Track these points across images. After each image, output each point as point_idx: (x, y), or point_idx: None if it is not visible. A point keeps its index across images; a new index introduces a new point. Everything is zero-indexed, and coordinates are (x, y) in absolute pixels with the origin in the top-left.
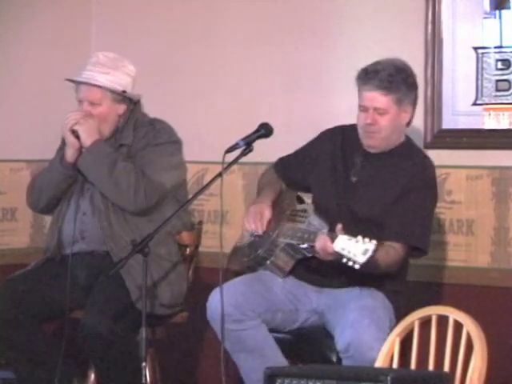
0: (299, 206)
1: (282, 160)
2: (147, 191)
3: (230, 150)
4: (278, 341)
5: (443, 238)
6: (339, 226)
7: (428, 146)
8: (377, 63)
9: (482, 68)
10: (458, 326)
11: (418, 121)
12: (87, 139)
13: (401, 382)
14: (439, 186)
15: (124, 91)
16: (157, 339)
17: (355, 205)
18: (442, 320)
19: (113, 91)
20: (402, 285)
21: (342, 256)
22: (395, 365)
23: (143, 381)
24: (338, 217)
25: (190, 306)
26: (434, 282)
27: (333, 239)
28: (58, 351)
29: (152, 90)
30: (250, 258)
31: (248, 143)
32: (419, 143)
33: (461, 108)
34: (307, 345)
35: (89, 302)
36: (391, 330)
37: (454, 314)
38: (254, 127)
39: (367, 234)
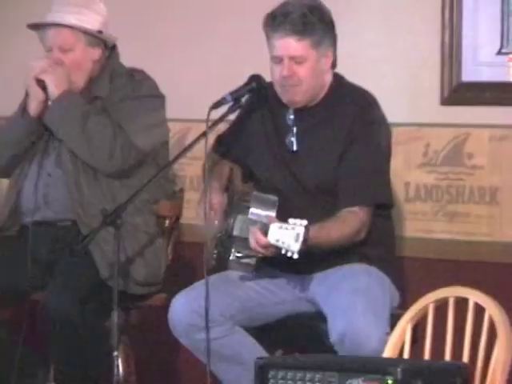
0: (245, 188)
1: (219, 138)
2: (124, 149)
3: (215, 105)
4: (268, 329)
5: (463, 208)
6: (271, 215)
7: (445, 103)
8: (285, 4)
9: (509, 11)
10: (480, 311)
11: (434, 73)
12: (55, 90)
13: (412, 374)
14: (457, 148)
15: (100, 31)
16: (131, 324)
17: (301, 176)
18: (461, 303)
19: (87, 32)
20: (390, 253)
21: (279, 248)
22: (406, 355)
23: (115, 373)
24: (287, 193)
25: (169, 287)
26: (451, 260)
27: (266, 231)
28: (17, 339)
29: (124, 36)
30: (213, 256)
31: (237, 98)
32: (435, 98)
33: (483, 58)
34: (302, 332)
35: (51, 281)
36: (394, 306)
37: (474, 297)
38: (244, 80)
39: (324, 205)
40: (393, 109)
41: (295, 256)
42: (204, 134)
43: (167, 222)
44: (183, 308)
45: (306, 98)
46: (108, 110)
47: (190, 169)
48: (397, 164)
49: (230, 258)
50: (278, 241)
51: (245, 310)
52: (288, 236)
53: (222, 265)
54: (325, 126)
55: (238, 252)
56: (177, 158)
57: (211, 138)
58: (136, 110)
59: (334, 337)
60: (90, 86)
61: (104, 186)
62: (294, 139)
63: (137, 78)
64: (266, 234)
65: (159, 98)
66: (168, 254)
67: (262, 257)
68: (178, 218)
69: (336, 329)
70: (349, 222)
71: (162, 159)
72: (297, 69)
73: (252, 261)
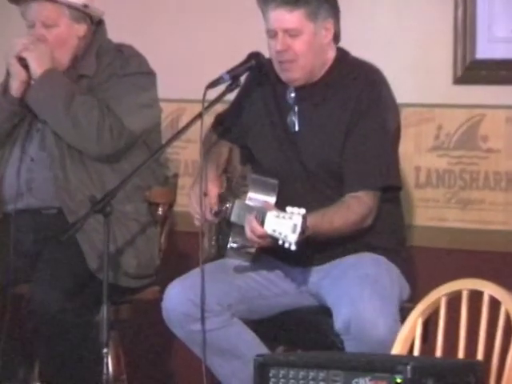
0: (244, 170)
1: (219, 117)
2: (113, 131)
3: (212, 85)
4: (269, 323)
5: (477, 195)
6: (268, 202)
7: (458, 81)
8: None
9: None
10: (495, 304)
11: (446, 50)
12: (38, 68)
13: (423, 373)
14: (472, 130)
15: (85, 5)
16: (121, 320)
17: (303, 158)
18: (475, 296)
19: (71, 7)
20: (399, 242)
21: (275, 239)
22: (416, 352)
23: (104, 371)
24: (289, 176)
25: (163, 279)
26: (464, 250)
27: (262, 220)
28: None
29: (111, 10)
30: (212, 243)
31: (235, 77)
32: (447, 77)
33: (499, 33)
34: (305, 327)
35: (36, 273)
36: (404, 299)
37: (489, 289)
38: (243, 57)
39: (328, 190)
40: (402, 88)
41: (293, 247)
42: (199, 116)
43: (160, 209)
44: (178, 297)
45: (304, 74)
46: (95, 90)
47: (185, 152)
48: (407, 148)
49: (228, 246)
50: (274, 231)
51: (244, 301)
52: (285, 226)
53: (220, 253)
54: (328, 105)
55: (235, 242)
56: (170, 140)
57: (207, 119)
58: (125, 89)
59: (338, 324)
60: (75, 63)
61: (92, 170)
62: (295, 119)
63: (125, 53)
64: (262, 222)
65: (150, 75)
66: (161, 243)
67: (260, 247)
68: (171, 206)
69: (341, 317)
70: (353, 208)
71: (154, 142)
72: (292, 43)
73: (251, 250)
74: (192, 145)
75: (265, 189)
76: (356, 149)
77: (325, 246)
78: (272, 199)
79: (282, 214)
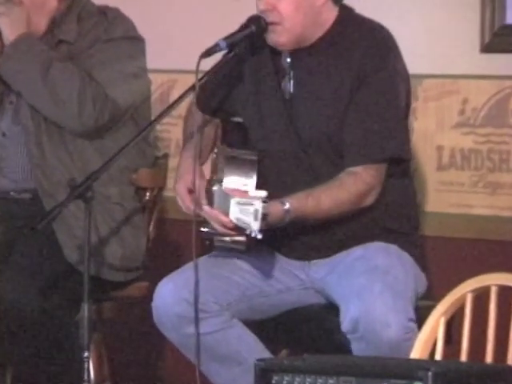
0: (227, 149)
1: (202, 88)
2: (97, 103)
3: (207, 53)
4: (270, 324)
5: (507, 178)
6: (246, 183)
7: (486, 50)
8: None
9: None
10: None
11: (473, 13)
12: (11, 33)
13: (447, 379)
14: (501, 105)
15: None
16: (104, 319)
17: (298, 129)
18: (505, 292)
19: None
20: (411, 226)
21: (242, 229)
22: (438, 355)
23: (85, 377)
24: (283, 151)
25: (151, 273)
26: (493, 240)
27: (227, 208)
28: None
29: None
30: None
31: (232, 44)
32: (473, 44)
33: None
34: (311, 327)
35: (7, 267)
36: (420, 292)
37: None
38: (241, 23)
39: (326, 167)
40: (422, 56)
41: (259, 236)
42: (193, 88)
43: (148, 194)
44: (171, 295)
45: (292, 38)
46: (76, 57)
47: (176, 130)
48: (427, 124)
49: (215, 241)
50: (238, 220)
51: (244, 299)
52: (247, 213)
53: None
54: (327, 70)
55: (209, 230)
56: (160, 116)
57: None
58: (109, 56)
59: (345, 323)
60: (54, 28)
61: (72, 149)
62: (290, 85)
63: (110, 17)
64: (226, 211)
65: (138, 41)
66: (149, 232)
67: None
68: (160, 190)
69: (349, 314)
70: (346, 185)
71: (143, 118)
72: (277, 2)
73: (240, 245)
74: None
75: (242, 168)
76: (356, 117)
77: (329, 236)
78: (250, 181)
79: (243, 200)
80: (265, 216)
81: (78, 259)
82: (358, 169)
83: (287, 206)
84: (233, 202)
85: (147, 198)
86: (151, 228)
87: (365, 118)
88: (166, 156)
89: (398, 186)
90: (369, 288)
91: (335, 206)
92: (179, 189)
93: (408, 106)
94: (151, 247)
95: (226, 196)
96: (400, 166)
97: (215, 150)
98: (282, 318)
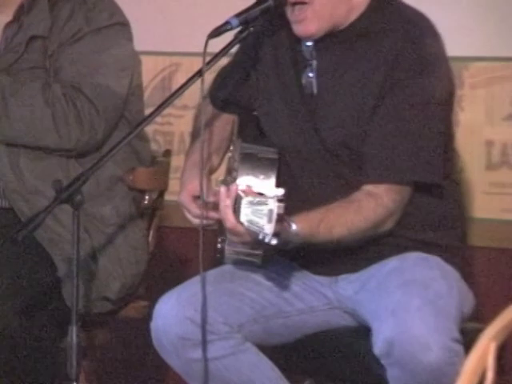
0: (234, 147)
1: (216, 82)
2: (82, 121)
3: (216, 33)
4: (290, 349)
5: None
6: (264, 185)
7: None
8: None
9: None
10: None
11: None
12: None
13: None
14: None
15: None
16: (96, 345)
17: (321, 129)
18: None
19: None
20: (457, 237)
21: (254, 233)
22: None
23: None
24: (302, 154)
25: (151, 291)
26: None
27: (237, 209)
28: None
29: None
30: (217, 246)
31: (245, 22)
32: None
33: None
34: (339, 353)
35: None
36: (466, 313)
37: None
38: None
39: (352, 172)
40: (469, 36)
41: (273, 242)
42: (199, 74)
43: (146, 198)
44: (173, 314)
45: (324, 25)
46: (53, 55)
47: (180, 123)
48: (475, 116)
49: (226, 251)
50: (251, 223)
51: (259, 319)
52: (260, 214)
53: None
54: (355, 62)
55: (229, 244)
56: (160, 107)
57: (209, 78)
58: (98, 48)
59: (378, 346)
60: (22, 18)
61: (56, 164)
62: (312, 77)
63: (89, 1)
64: (238, 213)
65: (123, 26)
66: (148, 244)
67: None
68: (161, 194)
69: (381, 334)
70: (364, 211)
71: (134, 112)
72: None
73: (255, 257)
74: (189, 113)
75: (259, 167)
76: (383, 125)
77: (359, 247)
78: (268, 182)
79: (257, 199)
80: (280, 218)
81: (67, 273)
82: (379, 190)
83: (294, 227)
84: (244, 201)
85: (146, 202)
86: (150, 238)
87: (393, 127)
88: (167, 153)
89: (438, 192)
90: (405, 304)
91: (349, 233)
92: (184, 198)
93: (450, 100)
94: (151, 260)
95: (237, 196)
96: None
97: (230, 148)
98: (303, 342)
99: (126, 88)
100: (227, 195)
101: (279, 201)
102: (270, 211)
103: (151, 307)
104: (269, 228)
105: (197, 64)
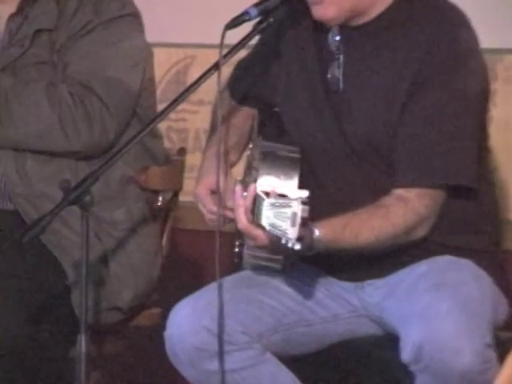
0: (253, 145)
1: (235, 74)
2: (91, 120)
3: (233, 23)
4: (312, 361)
5: None
6: (285, 185)
7: None
8: None
9: None
10: None
11: None
12: None
13: None
14: None
15: None
16: (106, 355)
17: (347, 128)
18: None
19: None
20: (490, 241)
21: (278, 238)
22: None
23: None
24: (327, 155)
25: (164, 297)
26: None
27: (258, 211)
28: None
29: None
30: (235, 250)
31: (265, 11)
32: None
33: None
34: (365, 364)
35: None
36: (499, 319)
37: None
38: None
39: (380, 175)
40: (502, 28)
41: (296, 247)
42: (216, 67)
43: (160, 199)
44: (188, 323)
45: (342, 12)
46: (61, 50)
47: (195, 119)
48: (508, 111)
49: (244, 255)
50: (273, 226)
51: (280, 328)
52: (283, 217)
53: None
54: (385, 57)
55: (248, 248)
56: (174, 102)
57: (226, 71)
58: (108, 41)
59: (406, 351)
60: (26, 9)
61: (66, 167)
62: (339, 73)
63: None
64: (258, 215)
65: (135, 18)
66: (162, 248)
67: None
68: (176, 194)
69: (410, 339)
70: (393, 216)
71: (145, 108)
72: None
73: (275, 263)
74: (205, 108)
75: (281, 167)
76: (414, 124)
77: (387, 251)
78: (291, 183)
79: (280, 201)
80: (305, 221)
81: (75, 280)
82: (410, 194)
83: (316, 233)
84: (266, 203)
85: (159, 203)
86: (164, 242)
87: (425, 127)
88: (182, 151)
89: (471, 193)
90: (435, 307)
91: (376, 240)
92: (199, 192)
93: (485, 96)
94: (164, 265)
95: (258, 198)
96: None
97: (249, 146)
98: (326, 352)
99: (138, 84)
100: (242, 194)
101: (303, 203)
102: (294, 214)
103: (165, 315)
104: (292, 232)
105: (213, 57)
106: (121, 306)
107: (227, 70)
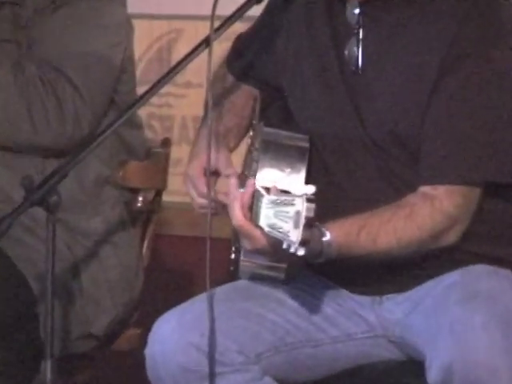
0: (254, 132)
1: (236, 48)
2: (65, 104)
3: None
4: None
5: None
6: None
7: None
8: None
9: None
10: None
11: None
12: None
13: None
14: None
15: None
16: (77, 383)
17: (366, 114)
18: None
19: None
20: None
21: (277, 241)
22: None
23: None
24: (341, 146)
25: (144, 315)
26: None
27: (256, 210)
28: None
29: None
30: (231, 256)
31: None
32: None
33: None
34: None
35: None
36: None
37: None
38: None
39: (404, 170)
40: None
41: (299, 252)
42: (206, 43)
43: (140, 199)
44: (173, 339)
45: None
46: (28, 25)
47: (182, 105)
48: None
49: (241, 263)
50: (273, 227)
51: (282, 348)
52: (285, 217)
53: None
54: (412, 32)
55: (245, 254)
56: (157, 85)
57: (218, 49)
58: (84, 16)
59: (433, 372)
60: None
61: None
62: (357, 50)
63: None
64: (256, 215)
65: None
66: (143, 256)
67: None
68: (159, 194)
69: (437, 358)
70: (418, 217)
71: (125, 93)
72: None
73: (277, 271)
74: (194, 92)
75: (285, 158)
76: (445, 111)
77: (410, 261)
78: (297, 177)
79: (281, 198)
80: (310, 222)
81: (40, 293)
82: (439, 192)
83: (327, 236)
84: (265, 201)
85: (139, 204)
86: (145, 249)
87: (456, 114)
88: (166, 143)
89: (510, 194)
90: (467, 320)
91: (398, 245)
92: (192, 170)
93: None
94: (145, 275)
95: (256, 194)
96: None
97: (250, 133)
98: (337, 378)
99: (118, 66)
100: (238, 187)
101: (309, 201)
102: (298, 213)
103: (145, 337)
104: (295, 234)
105: (203, 30)
106: (95, 332)
107: (219, 47)
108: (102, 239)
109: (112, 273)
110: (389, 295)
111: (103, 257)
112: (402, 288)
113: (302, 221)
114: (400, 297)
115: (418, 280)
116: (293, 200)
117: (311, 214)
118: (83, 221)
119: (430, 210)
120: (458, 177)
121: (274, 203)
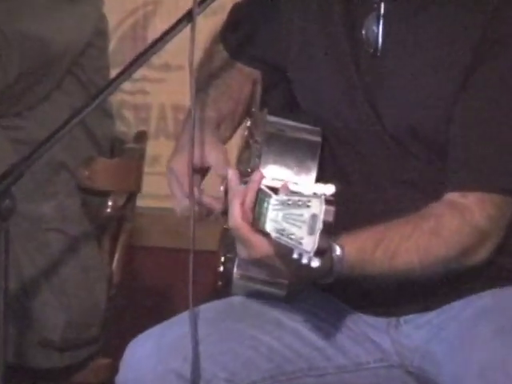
0: (254, 121)
1: (232, 20)
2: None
3: None
4: None
5: None
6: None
7: None
8: None
9: None
10: None
11: None
12: None
13: None
14: None
15: None
16: None
17: (384, 104)
18: None
19: None
20: None
21: (288, 250)
22: None
23: None
24: (355, 139)
25: (115, 342)
26: None
27: (261, 211)
28: None
29: None
30: (219, 268)
31: None
32: None
33: None
34: None
35: None
36: None
37: None
38: None
39: (426, 170)
40: None
41: (314, 264)
42: (189, 18)
43: (109, 204)
44: (150, 365)
45: None
46: None
47: (160, 91)
48: None
49: (234, 276)
50: (282, 232)
51: (279, 377)
52: (298, 220)
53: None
54: (441, 11)
55: (239, 265)
56: (130, 67)
57: (203, 25)
58: None
59: None
60: None
61: None
62: (377, 29)
63: None
64: (260, 218)
65: None
66: (112, 272)
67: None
68: (132, 197)
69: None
70: (444, 230)
71: (92, 71)
72: None
73: (277, 287)
74: (174, 76)
75: (292, 153)
76: (478, 106)
77: (432, 279)
78: (306, 177)
79: (294, 199)
80: (329, 228)
81: None
82: (469, 201)
83: (337, 252)
84: (274, 201)
85: (108, 210)
86: (115, 263)
87: (492, 110)
88: (141, 136)
89: None
90: (501, 361)
91: (420, 265)
92: (177, 166)
93: None
94: (115, 295)
95: (261, 193)
96: None
97: (247, 124)
98: None
99: (66, 38)
100: (238, 182)
101: (327, 202)
102: (314, 217)
103: (116, 366)
104: (310, 242)
105: (184, 3)
106: (51, 337)
107: (205, 23)
108: (53, 228)
109: (67, 274)
110: (407, 317)
111: (56, 253)
112: (422, 308)
113: (320, 226)
114: (420, 319)
115: (442, 300)
116: (308, 201)
117: (330, 219)
118: (32, 204)
119: (458, 223)
120: (493, 184)
121: (284, 204)
